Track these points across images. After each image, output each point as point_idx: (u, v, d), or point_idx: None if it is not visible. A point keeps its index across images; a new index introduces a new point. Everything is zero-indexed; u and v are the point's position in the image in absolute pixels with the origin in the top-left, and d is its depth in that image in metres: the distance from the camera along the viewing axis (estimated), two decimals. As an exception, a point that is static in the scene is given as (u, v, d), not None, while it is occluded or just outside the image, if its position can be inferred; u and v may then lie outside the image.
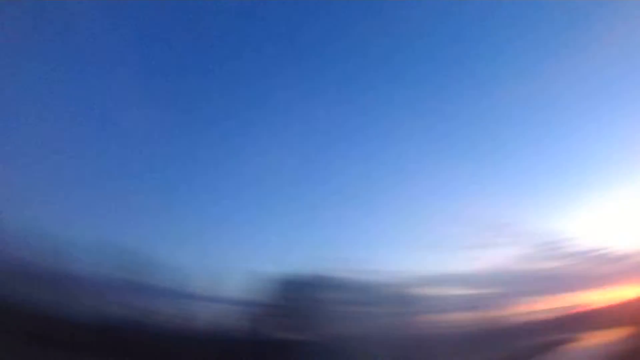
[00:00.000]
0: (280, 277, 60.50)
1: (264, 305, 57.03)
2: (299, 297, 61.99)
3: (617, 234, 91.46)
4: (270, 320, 57.08)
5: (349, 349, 57.30)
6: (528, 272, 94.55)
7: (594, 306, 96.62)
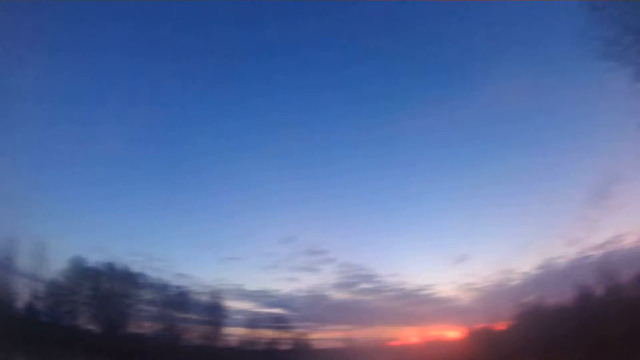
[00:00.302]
0: (92, 265, 61.72)
1: (70, 289, 57.53)
2: (104, 287, 62.09)
3: (435, 278, 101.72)
4: (72, 305, 57.44)
5: (142, 347, 57.96)
6: (341, 300, 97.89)
7: (404, 342, 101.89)
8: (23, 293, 55.39)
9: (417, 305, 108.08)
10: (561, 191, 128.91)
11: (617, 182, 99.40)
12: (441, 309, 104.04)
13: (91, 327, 61.55)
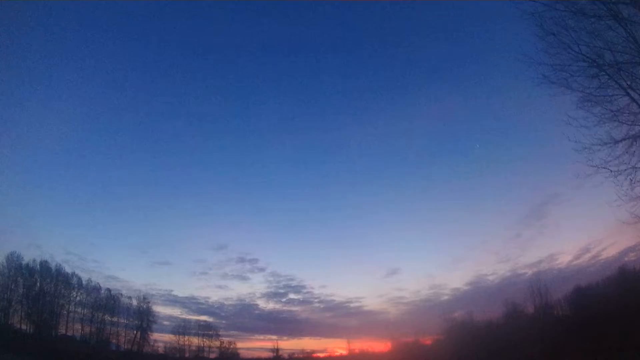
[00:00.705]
0: (26, 262, 62.83)
1: (2, 287, 58.09)
2: (36, 285, 63.32)
3: (365, 291, 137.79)
4: (3, 303, 58.14)
5: (71, 349, 59.54)
6: (270, 310, 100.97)
7: (330, 354, 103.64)
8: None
9: (345, 317, 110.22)
10: (497, 209, 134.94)
11: (552, 204, 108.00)
12: (369, 322, 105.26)
13: (23, 326, 61.82)
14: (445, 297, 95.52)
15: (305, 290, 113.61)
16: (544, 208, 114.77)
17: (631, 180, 15.80)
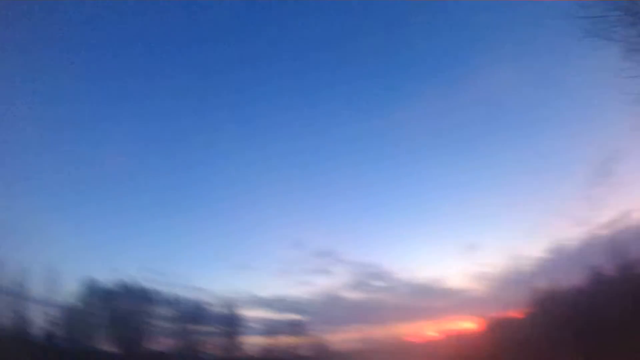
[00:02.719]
0: (105, 286, 61.39)
1: (85, 312, 57.07)
2: (119, 307, 61.71)
3: (446, 269, 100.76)
4: (88, 328, 56.89)
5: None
6: (355, 300, 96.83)
7: (422, 338, 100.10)
8: (39, 320, 55.12)
9: (430, 298, 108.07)
10: (563, 173, 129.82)
11: (617, 159, 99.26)
12: (455, 301, 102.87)
13: (110, 348, 61.19)
14: (528, 267, 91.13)
15: (387, 276, 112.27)
16: (608, 166, 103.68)
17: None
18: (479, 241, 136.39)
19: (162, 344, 68.48)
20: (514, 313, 76.65)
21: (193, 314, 75.83)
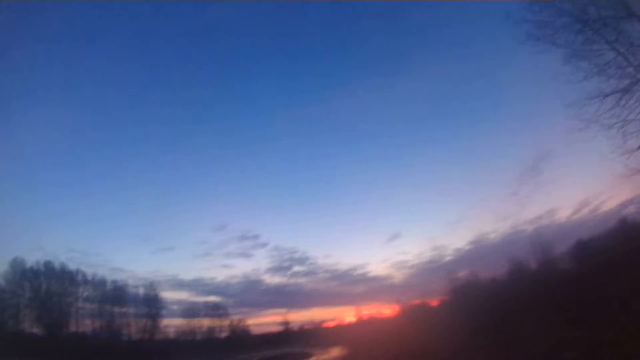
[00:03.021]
0: (31, 266, 62.65)
1: (9, 291, 58.37)
2: (43, 287, 63.40)
3: (369, 258, 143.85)
4: (11, 307, 58.54)
5: (85, 345, 60.16)
6: (276, 284, 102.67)
7: (340, 322, 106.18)
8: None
9: (351, 285, 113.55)
10: (493, 168, 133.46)
11: (547, 160, 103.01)
12: (375, 288, 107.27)
13: (34, 330, 62.07)
14: (449, 258, 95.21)
15: (309, 262, 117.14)
16: (539, 165, 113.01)
17: (623, 133, 16.10)
18: (402, 231, 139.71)
19: (84, 325, 69.87)
20: (431, 301, 79.63)
21: (115, 295, 77.13)
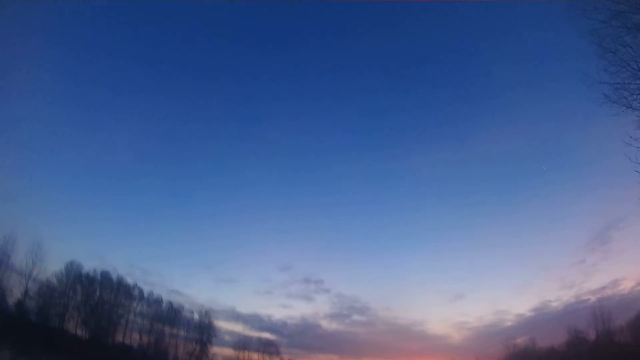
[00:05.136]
0: (87, 271, 61.62)
1: (62, 291, 57.55)
2: (97, 294, 61.95)
3: (429, 315, 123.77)
4: (61, 307, 57.29)
5: (127, 357, 57.43)
6: (333, 331, 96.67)
7: None
8: (16, 291, 55.88)
9: (408, 340, 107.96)
10: (561, 235, 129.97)
11: (616, 228, 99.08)
12: (432, 346, 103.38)
13: (79, 332, 61.55)
14: (509, 323, 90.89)
15: (369, 312, 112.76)
16: (607, 233, 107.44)
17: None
18: (465, 292, 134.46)
19: (132, 338, 68.73)
20: None
21: (168, 315, 75.98)
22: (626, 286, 74.83)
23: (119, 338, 66.63)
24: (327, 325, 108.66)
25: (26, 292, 56.08)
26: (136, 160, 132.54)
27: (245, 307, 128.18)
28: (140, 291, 73.23)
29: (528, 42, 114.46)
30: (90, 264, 67.99)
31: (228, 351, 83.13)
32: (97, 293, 66.85)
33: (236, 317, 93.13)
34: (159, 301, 75.54)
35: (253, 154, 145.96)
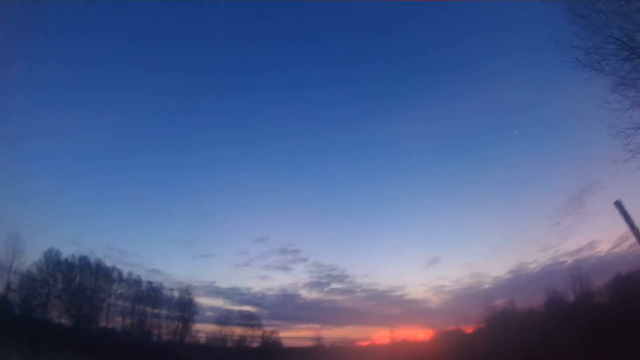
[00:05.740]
0: (66, 258, 62.02)
1: (43, 281, 58.00)
2: (77, 280, 62.58)
3: (407, 280, 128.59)
4: (43, 297, 57.94)
5: (113, 341, 58.91)
6: (312, 300, 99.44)
7: (374, 342, 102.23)
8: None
9: (387, 306, 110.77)
10: (536, 198, 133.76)
11: (591, 191, 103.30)
12: (411, 311, 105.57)
13: (62, 320, 61.98)
14: (487, 286, 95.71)
15: (347, 280, 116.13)
16: (582, 196, 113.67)
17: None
18: (442, 255, 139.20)
19: (115, 321, 69.56)
20: (467, 327, 78.83)
21: (149, 295, 76.72)
22: (602, 248, 78.37)
23: (102, 323, 67.54)
24: (307, 294, 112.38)
25: (8, 286, 55.91)
26: (109, 139, 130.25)
27: (225, 281, 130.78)
28: (120, 273, 73.91)
29: (501, 10, 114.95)
30: (69, 250, 67.90)
31: (210, 327, 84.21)
32: (77, 279, 67.03)
33: (216, 292, 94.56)
34: (138, 281, 76.49)
35: (221, 128, 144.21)
